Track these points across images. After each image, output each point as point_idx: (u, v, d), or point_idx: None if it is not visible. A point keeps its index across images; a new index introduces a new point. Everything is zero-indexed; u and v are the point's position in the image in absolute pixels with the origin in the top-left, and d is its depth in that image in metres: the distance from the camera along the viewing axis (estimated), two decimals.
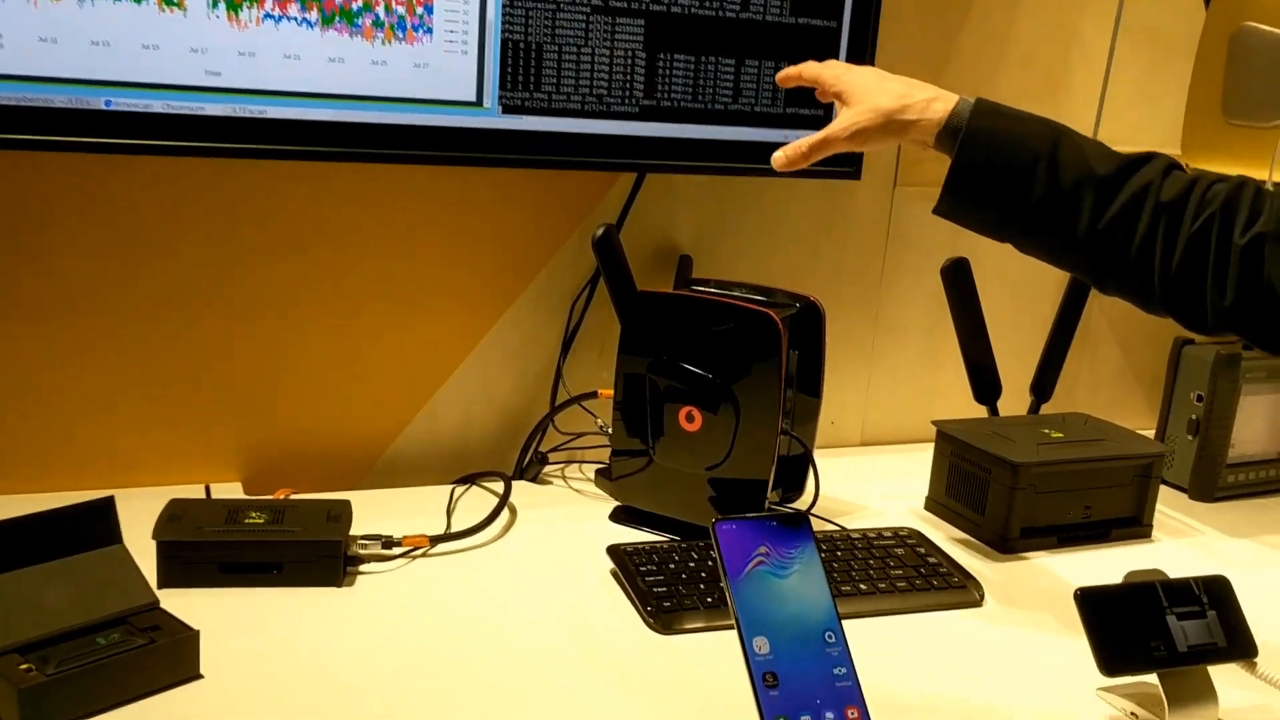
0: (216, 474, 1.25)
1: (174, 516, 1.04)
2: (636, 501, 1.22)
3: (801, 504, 1.27)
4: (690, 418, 1.16)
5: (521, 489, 1.29)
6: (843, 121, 1.00)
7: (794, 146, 1.02)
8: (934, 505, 1.33)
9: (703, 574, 1.07)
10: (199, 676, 0.88)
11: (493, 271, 1.32)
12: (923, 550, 1.18)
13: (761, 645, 0.78)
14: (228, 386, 1.24)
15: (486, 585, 1.07)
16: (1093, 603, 0.90)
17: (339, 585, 1.04)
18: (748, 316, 1.13)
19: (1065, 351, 1.44)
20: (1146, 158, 0.96)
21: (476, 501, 1.24)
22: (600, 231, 1.19)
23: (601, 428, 1.29)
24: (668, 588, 1.04)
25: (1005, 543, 1.23)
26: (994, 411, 1.41)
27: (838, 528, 1.23)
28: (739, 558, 0.81)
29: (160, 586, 0.99)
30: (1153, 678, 0.90)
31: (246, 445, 1.26)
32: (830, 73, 1.03)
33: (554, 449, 1.35)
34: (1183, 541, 1.31)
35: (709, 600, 1.03)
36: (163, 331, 1.20)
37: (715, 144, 1.27)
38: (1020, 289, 1.58)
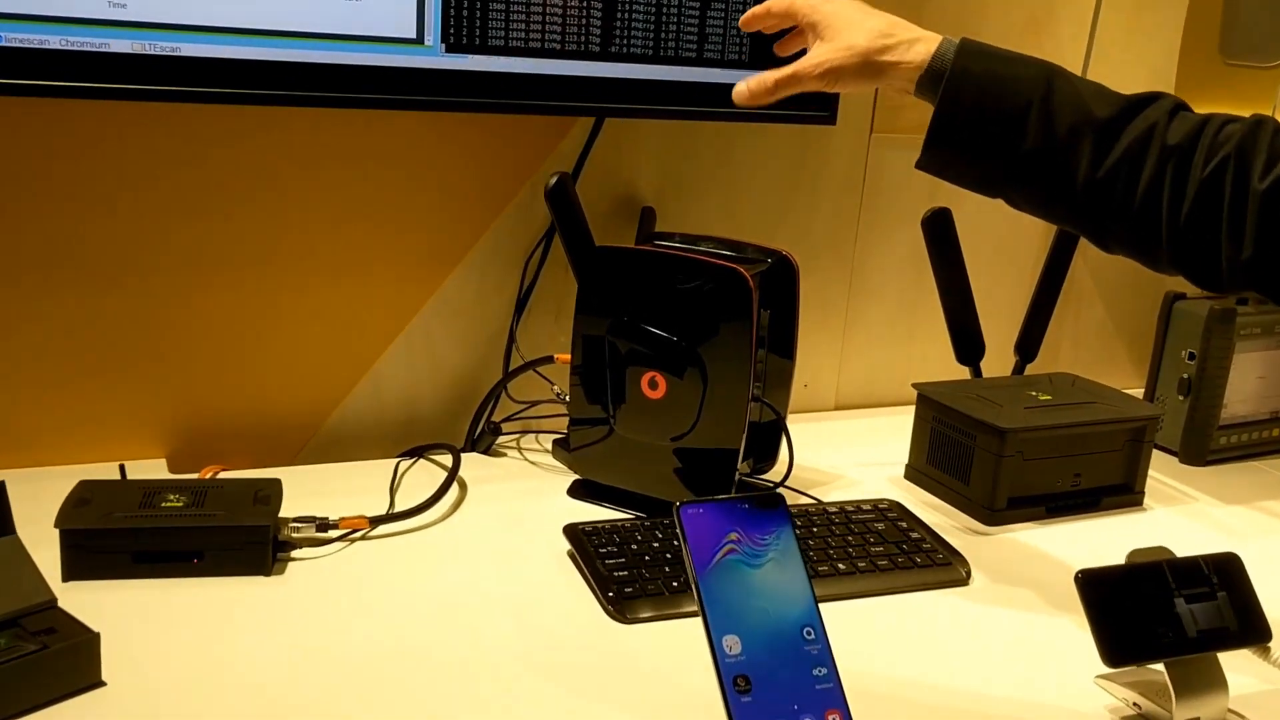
0: (136, 450, 1.14)
1: (82, 501, 0.94)
2: (596, 475, 1.13)
3: (774, 475, 1.19)
4: (654, 384, 1.07)
5: (473, 462, 1.19)
6: (815, 57, 0.90)
7: (759, 79, 0.92)
8: (914, 474, 1.25)
9: (667, 555, 0.98)
10: (101, 684, 0.78)
11: (438, 227, 1.21)
12: (904, 524, 1.10)
13: (733, 645, 0.69)
14: (148, 353, 1.13)
15: (432, 570, 0.98)
16: (1095, 587, 0.81)
17: (267, 574, 0.94)
18: (716, 273, 1.03)
19: (1052, 308, 1.36)
20: (1151, 98, 0.87)
21: (423, 477, 1.15)
22: (554, 180, 1.09)
23: (558, 395, 1.20)
24: (629, 571, 0.96)
25: (991, 514, 1.15)
26: (977, 373, 1.33)
27: (813, 501, 1.15)
28: (707, 546, 0.72)
29: (65, 580, 0.90)
30: (1158, 664, 0.83)
31: (170, 418, 1.16)
32: (805, 3, 0.93)
33: (508, 418, 1.26)
34: (1176, 510, 1.24)
35: (674, 585, 0.94)
36: (74, 294, 1.09)
37: (679, 86, 1.16)
38: (1004, 242, 1.50)
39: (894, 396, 1.48)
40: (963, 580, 1.02)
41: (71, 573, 0.90)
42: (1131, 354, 1.65)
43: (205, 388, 1.16)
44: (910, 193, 1.43)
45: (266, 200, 1.13)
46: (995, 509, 1.15)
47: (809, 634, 0.72)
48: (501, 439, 1.25)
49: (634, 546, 0.99)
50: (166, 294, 1.12)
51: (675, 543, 1.00)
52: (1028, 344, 1.36)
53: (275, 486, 1.00)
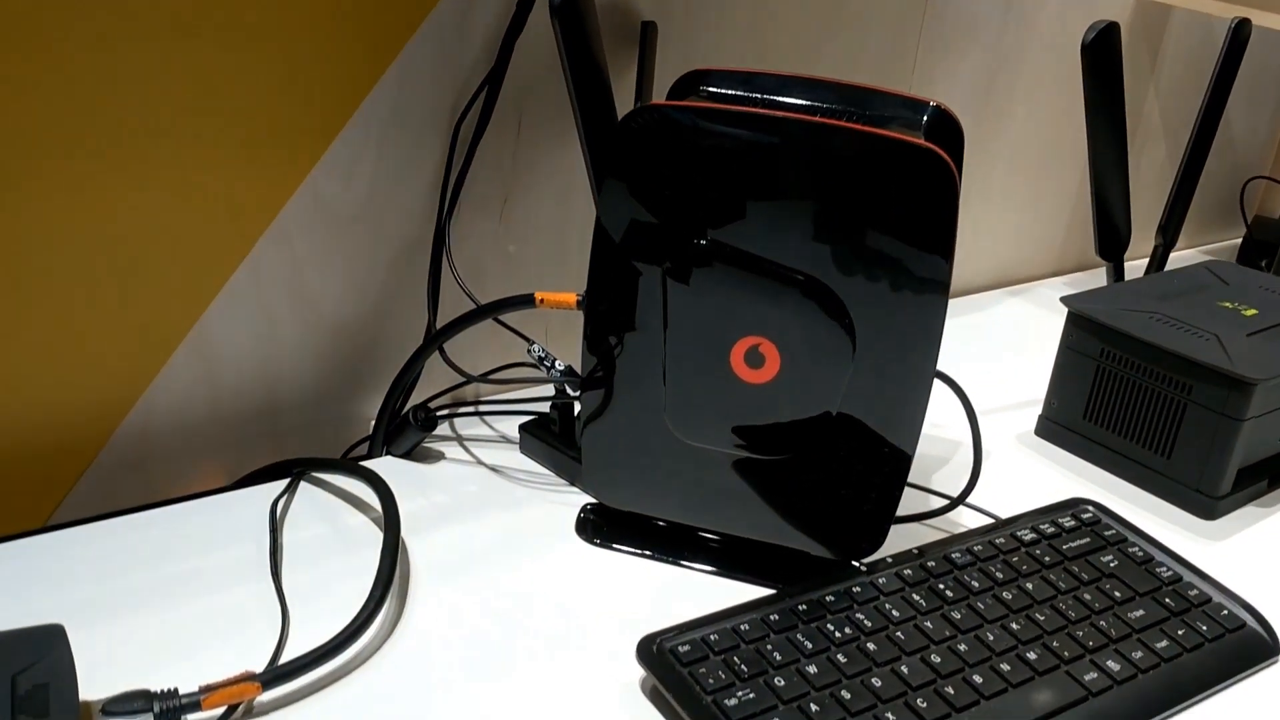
0: None
1: None
2: (630, 502, 0.66)
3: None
4: (756, 357, 0.60)
5: (395, 480, 0.69)
6: None
7: None
8: (1060, 432, 0.84)
9: (842, 692, 0.53)
10: None
11: (296, 70, 0.67)
12: (1137, 550, 0.68)
13: None
14: None
15: None
16: None
17: None
18: (895, 154, 0.55)
19: (1199, 173, 0.95)
20: None
21: (319, 528, 0.64)
22: None
23: (542, 359, 0.70)
24: None
25: (1212, 503, 0.76)
26: (1119, 271, 0.91)
27: (988, 517, 0.72)
28: None
29: None
30: None
31: None
32: None
33: (438, 397, 0.76)
34: None
35: None
36: None
37: None
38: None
39: (975, 281, 1.06)
40: (1272, 649, 0.63)
41: None
42: (1195, 211, 1.28)
43: None
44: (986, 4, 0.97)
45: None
46: (1218, 495, 0.76)
47: None
48: (437, 432, 0.75)
49: (779, 680, 0.53)
50: None
51: (839, 656, 0.56)
52: (1174, 220, 0.95)
53: (54, 647, 0.48)
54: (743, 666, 0.54)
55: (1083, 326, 0.81)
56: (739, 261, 0.58)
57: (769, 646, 0.55)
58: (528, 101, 0.75)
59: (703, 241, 0.58)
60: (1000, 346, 0.99)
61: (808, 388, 0.60)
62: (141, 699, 0.48)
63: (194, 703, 0.48)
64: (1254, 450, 0.78)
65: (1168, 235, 0.96)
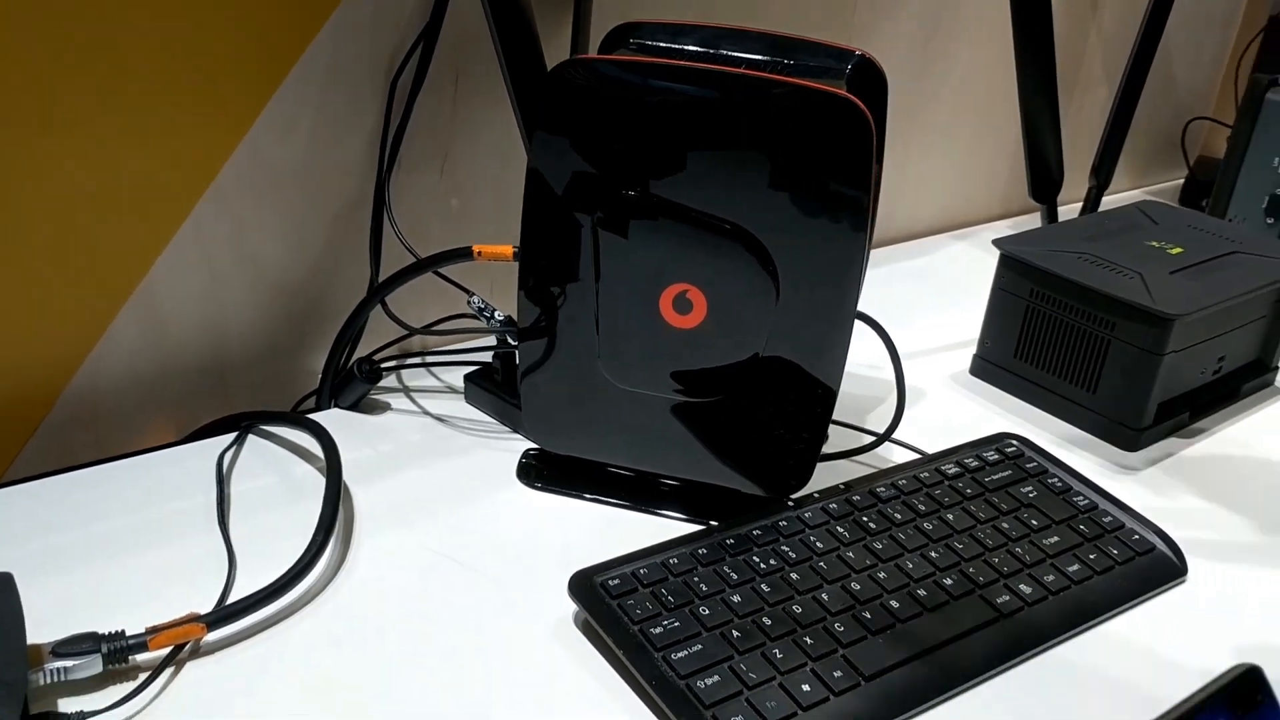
0: None
1: None
2: (570, 445, 0.68)
3: (844, 408, 0.77)
4: (685, 303, 0.62)
5: (340, 432, 0.71)
6: None
7: None
8: (993, 371, 0.86)
9: (764, 619, 0.56)
10: None
11: (233, 29, 0.68)
12: (1056, 481, 0.71)
13: None
14: None
15: (338, 701, 0.52)
16: None
17: None
18: (807, 103, 0.57)
19: (1131, 115, 0.97)
20: None
21: (265, 479, 0.67)
22: None
23: (482, 310, 0.72)
24: (718, 671, 0.53)
25: (1135, 435, 0.79)
26: (1053, 213, 0.93)
27: (913, 453, 0.74)
28: None
29: None
30: None
31: None
32: None
33: (382, 350, 0.77)
34: None
35: (804, 689, 0.52)
36: None
37: None
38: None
39: (891, 233, 1.08)
40: (1179, 571, 0.66)
41: None
42: (1135, 153, 1.30)
43: None
44: None
45: None
46: (1140, 426, 0.79)
47: None
48: (382, 383, 0.77)
49: (703, 609, 0.56)
50: None
51: (762, 586, 0.58)
52: (1104, 165, 0.97)
53: (4, 595, 0.50)
54: (669, 597, 0.56)
55: (1013, 268, 0.84)
56: (665, 210, 0.60)
57: (696, 579, 0.58)
58: (464, 57, 0.77)
59: (630, 192, 0.60)
60: (942, 289, 1.02)
61: (734, 331, 0.62)
62: (89, 640, 0.50)
63: (141, 643, 0.51)
64: (1175, 384, 0.81)
65: (1101, 177, 0.99)
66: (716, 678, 0.52)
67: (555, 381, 0.66)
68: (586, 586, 0.57)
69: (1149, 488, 0.74)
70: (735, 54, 0.65)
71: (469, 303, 0.72)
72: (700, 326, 0.62)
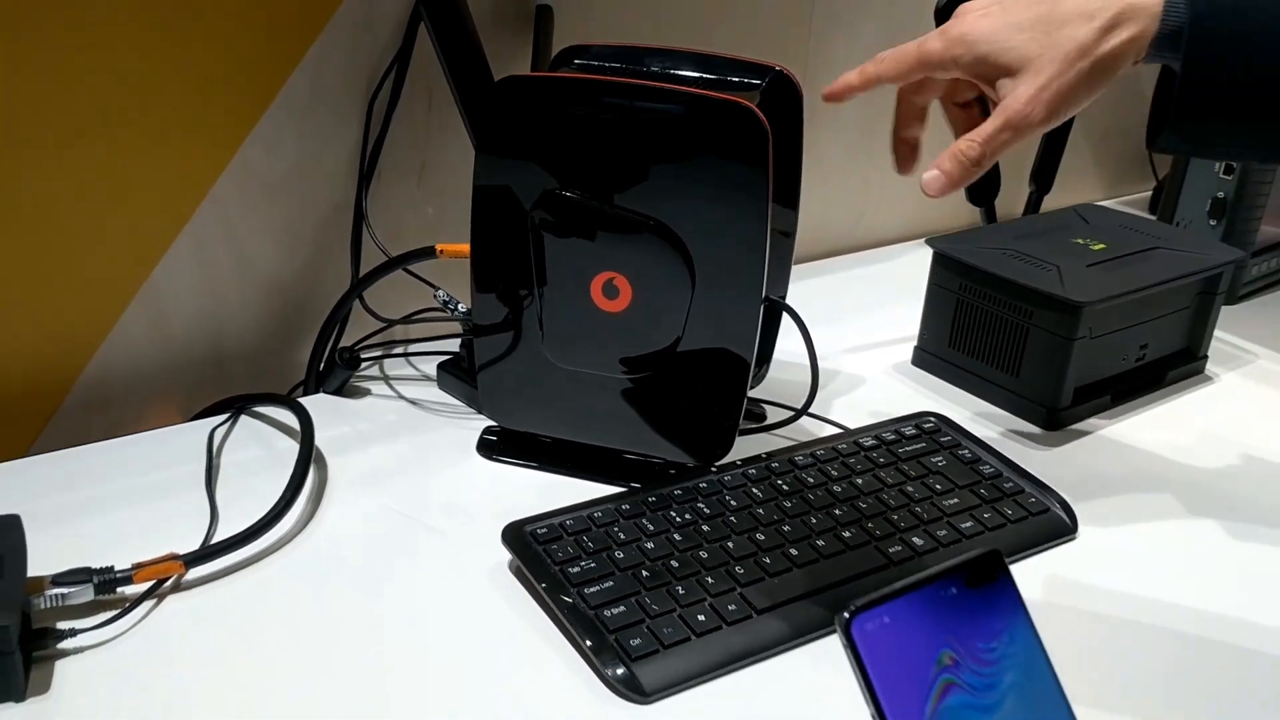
0: None
1: None
2: (521, 421, 0.76)
3: (774, 391, 0.84)
4: (612, 289, 0.70)
5: (324, 414, 0.79)
6: (1029, 92, 0.58)
7: (954, 156, 0.59)
8: (931, 360, 0.93)
9: (673, 563, 0.64)
10: None
11: (226, 57, 0.77)
12: (966, 452, 0.78)
13: None
14: None
15: (299, 630, 0.60)
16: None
17: (19, 698, 0.54)
18: (707, 111, 0.65)
19: (1070, 124, 1.04)
20: None
21: (253, 451, 0.75)
22: None
23: (446, 303, 0.81)
24: (625, 604, 0.60)
25: (1054, 415, 0.85)
26: (991, 215, 1.00)
27: (835, 428, 0.81)
28: (909, 689, 0.37)
29: None
30: None
31: None
32: (942, 47, 0.61)
33: (364, 341, 0.86)
34: (1243, 373, 0.97)
35: (700, 619, 0.60)
36: None
37: None
38: None
39: (857, 240, 1.15)
40: (1069, 529, 0.72)
41: None
42: (1107, 164, 1.36)
43: None
44: None
45: None
46: (1059, 407, 0.85)
47: None
48: (362, 370, 0.85)
49: (618, 554, 0.64)
50: None
51: (675, 535, 0.66)
52: (1044, 170, 1.04)
53: (12, 532, 0.59)
54: (589, 544, 0.64)
55: (944, 264, 0.91)
56: (592, 208, 0.68)
57: (616, 529, 0.66)
58: (437, 76, 0.85)
59: (563, 193, 0.68)
60: (900, 291, 1.08)
61: (657, 314, 0.70)
62: (83, 573, 0.59)
63: (127, 577, 0.59)
64: (1094, 369, 0.87)
65: (1040, 182, 1.05)
66: (622, 608, 0.60)
67: (508, 364, 0.74)
68: (517, 535, 0.65)
69: (1061, 462, 0.81)
70: (663, 70, 0.74)
71: (435, 296, 0.81)
72: (627, 310, 0.70)
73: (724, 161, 0.65)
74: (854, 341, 0.98)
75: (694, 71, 0.74)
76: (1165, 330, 0.92)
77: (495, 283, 0.72)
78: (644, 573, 0.62)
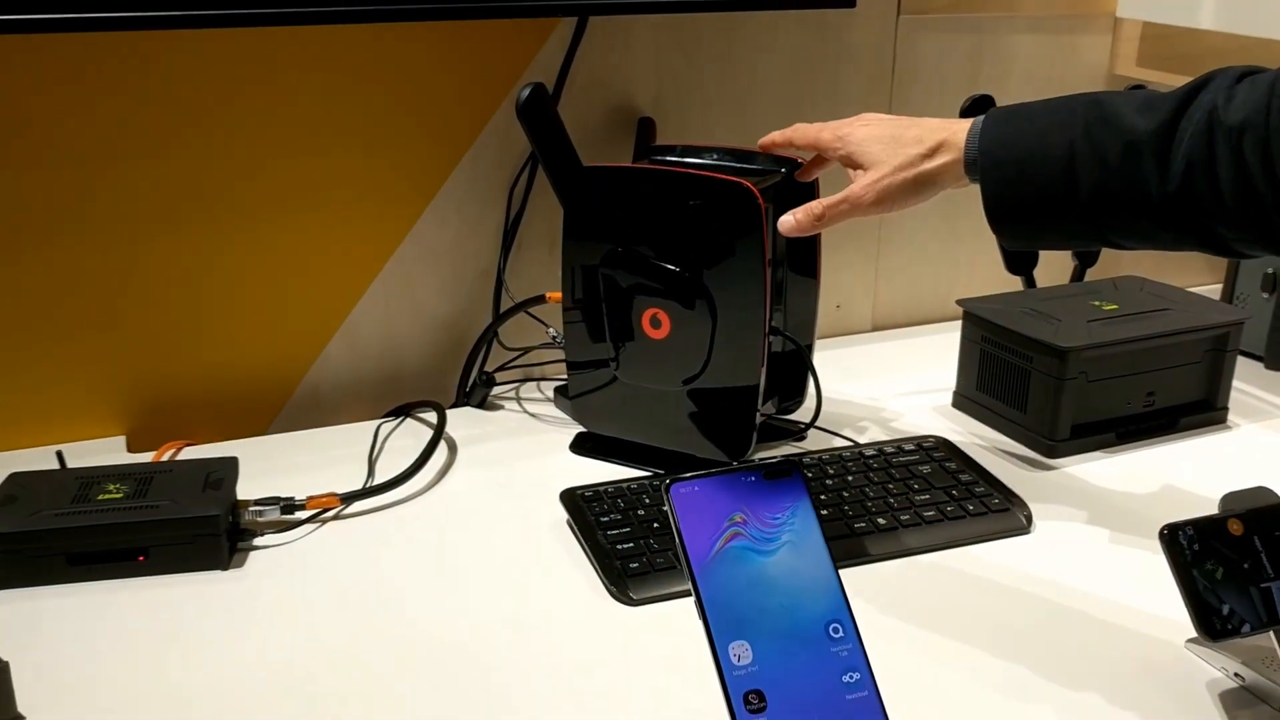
0: (90, 428, 1.03)
1: (7, 499, 0.83)
2: (600, 426, 1.00)
3: (804, 414, 1.05)
4: (656, 321, 0.93)
5: (465, 419, 1.07)
6: (865, 183, 0.83)
7: (806, 211, 0.85)
8: (964, 402, 1.11)
9: None
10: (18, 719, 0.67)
11: (407, 157, 1.07)
12: (952, 465, 0.96)
13: (741, 654, 0.57)
14: (94, 320, 1.01)
15: (413, 551, 0.86)
16: (1181, 545, 0.67)
17: (224, 568, 0.83)
18: (716, 189, 0.89)
19: None
20: (1204, 81, 0.74)
21: (409, 440, 1.03)
22: (526, 93, 0.94)
23: (554, 338, 1.06)
24: (634, 543, 0.83)
25: (1053, 445, 1.01)
26: (1030, 283, 1.17)
27: (848, 442, 1.01)
28: (705, 532, 0.59)
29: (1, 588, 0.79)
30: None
31: (125, 391, 1.04)
32: (831, 136, 0.86)
33: (502, 367, 1.13)
34: (1266, 425, 1.09)
35: None
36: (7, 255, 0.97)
37: None
38: None
39: (939, 312, 1.33)
40: (1023, 527, 0.89)
41: (5, 580, 0.80)
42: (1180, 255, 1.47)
43: (161, 354, 1.04)
44: (948, 81, 1.26)
45: (213, 136, 1.00)
46: (1057, 439, 1.01)
47: (836, 631, 0.59)
48: (498, 389, 1.12)
49: (640, 512, 0.86)
50: (107, 256, 0.99)
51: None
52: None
53: (230, 467, 0.88)
54: (621, 504, 0.87)
55: (971, 320, 1.09)
56: (641, 260, 0.92)
57: (644, 496, 0.88)
58: None
59: (620, 249, 0.93)
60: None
61: (690, 340, 0.92)
62: (273, 501, 0.87)
63: (301, 504, 0.87)
64: (1095, 409, 1.02)
65: (1084, 256, 1.21)
66: (631, 544, 0.83)
67: (590, 383, 0.99)
68: (570, 496, 0.89)
69: (1044, 481, 0.97)
70: (714, 161, 0.98)
71: (548, 333, 1.07)
72: (668, 338, 0.93)
73: (727, 226, 0.88)
74: (909, 388, 1.16)
75: (735, 162, 0.98)
76: (1176, 381, 1.06)
77: (578, 320, 0.97)
78: (655, 525, 0.85)
